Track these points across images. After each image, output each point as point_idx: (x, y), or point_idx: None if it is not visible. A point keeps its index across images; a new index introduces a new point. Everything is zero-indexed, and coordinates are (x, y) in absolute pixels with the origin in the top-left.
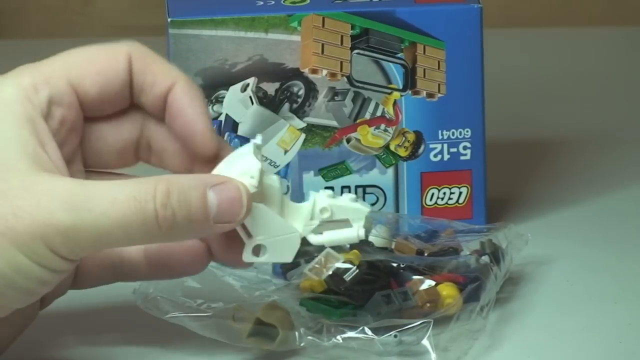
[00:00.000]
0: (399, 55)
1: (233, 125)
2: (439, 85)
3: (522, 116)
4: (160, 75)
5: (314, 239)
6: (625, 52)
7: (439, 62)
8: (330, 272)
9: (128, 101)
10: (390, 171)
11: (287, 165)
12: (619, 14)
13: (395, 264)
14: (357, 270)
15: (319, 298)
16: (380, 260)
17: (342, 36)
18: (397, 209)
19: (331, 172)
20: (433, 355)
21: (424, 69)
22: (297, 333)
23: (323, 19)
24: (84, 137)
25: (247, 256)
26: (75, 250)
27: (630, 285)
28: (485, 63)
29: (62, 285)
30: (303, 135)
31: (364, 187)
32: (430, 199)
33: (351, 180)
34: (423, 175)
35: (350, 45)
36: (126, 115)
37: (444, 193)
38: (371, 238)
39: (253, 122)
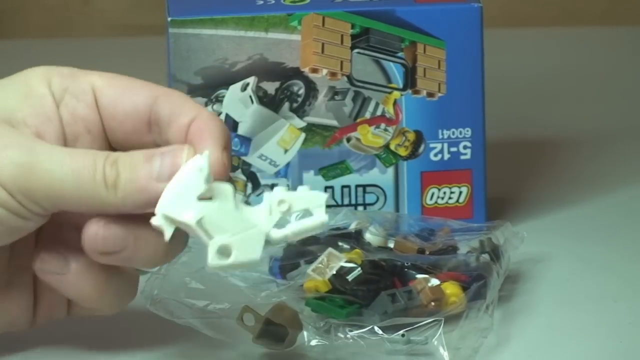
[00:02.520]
0: (399, 54)
1: (233, 124)
2: (439, 84)
3: (522, 116)
4: (184, 108)
5: (277, 234)
6: (625, 52)
7: (439, 61)
8: (334, 272)
9: (150, 140)
10: (391, 171)
11: (287, 165)
12: (619, 14)
13: (399, 263)
14: (360, 270)
15: (324, 298)
16: (384, 260)
17: (342, 35)
18: (397, 209)
19: (331, 171)
20: (445, 353)
21: (424, 69)
22: (305, 333)
23: (323, 18)
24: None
25: (213, 259)
26: (29, 194)
27: (630, 284)
28: (485, 63)
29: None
30: (303, 135)
31: (364, 186)
32: (431, 199)
33: (351, 179)
34: (423, 175)
35: (350, 45)
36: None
37: (444, 192)
38: (367, 237)
39: (253, 121)
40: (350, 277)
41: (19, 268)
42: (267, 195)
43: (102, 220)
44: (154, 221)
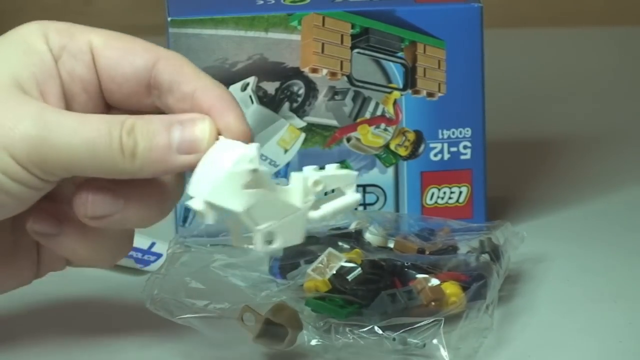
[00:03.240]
0: (399, 54)
1: None
2: (439, 84)
3: (522, 116)
4: (188, 75)
5: (315, 215)
6: (625, 52)
7: (439, 61)
8: (334, 272)
9: (149, 102)
10: (391, 170)
11: (287, 165)
12: (619, 14)
13: (399, 263)
14: (360, 270)
15: (324, 298)
16: (383, 259)
17: (342, 35)
18: (397, 209)
19: None
20: (445, 353)
21: (424, 68)
22: (305, 333)
23: (323, 18)
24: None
25: (260, 246)
26: (43, 166)
27: (630, 284)
28: (485, 63)
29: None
30: (303, 135)
31: (364, 186)
32: (431, 199)
33: None
34: (423, 175)
35: (350, 45)
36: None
37: (444, 192)
38: (368, 237)
39: (253, 121)
40: (350, 277)
41: (23, 228)
42: (297, 175)
43: (93, 185)
44: (195, 205)
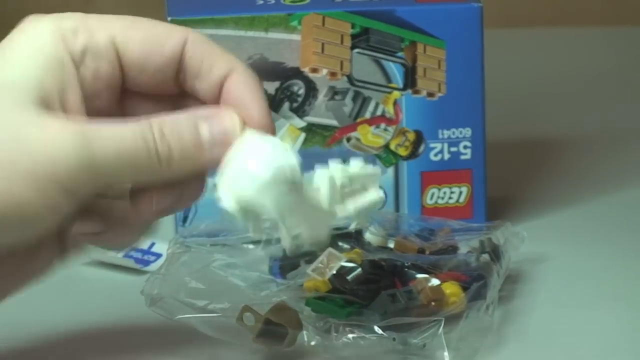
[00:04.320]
0: (399, 54)
1: None
2: (439, 84)
3: (522, 116)
4: (218, 61)
5: (342, 213)
6: (625, 52)
7: (439, 61)
8: (334, 272)
9: (174, 84)
10: (391, 170)
11: None
12: (619, 14)
13: (399, 263)
14: (360, 270)
15: (324, 298)
16: (384, 259)
17: (342, 35)
18: (397, 209)
19: None
20: (445, 354)
21: (424, 68)
22: (305, 333)
23: (323, 18)
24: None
25: (289, 247)
26: (90, 186)
27: (630, 284)
28: (485, 63)
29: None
30: (303, 135)
31: None
32: (431, 199)
33: None
34: (423, 175)
35: (350, 45)
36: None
37: (444, 192)
38: (368, 237)
39: None
40: (350, 277)
41: None
42: (323, 174)
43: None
44: (228, 207)
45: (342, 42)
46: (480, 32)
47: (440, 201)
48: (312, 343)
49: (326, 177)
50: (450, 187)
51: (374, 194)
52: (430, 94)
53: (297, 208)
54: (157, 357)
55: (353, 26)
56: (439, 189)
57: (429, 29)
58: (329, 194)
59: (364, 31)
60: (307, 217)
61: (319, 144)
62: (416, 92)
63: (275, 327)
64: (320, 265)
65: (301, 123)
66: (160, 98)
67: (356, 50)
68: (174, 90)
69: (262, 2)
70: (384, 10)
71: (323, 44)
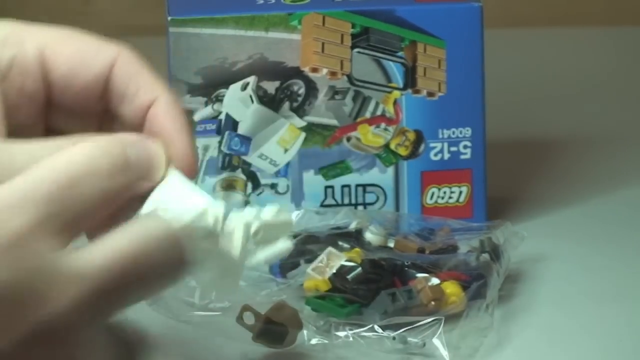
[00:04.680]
0: (399, 54)
1: (233, 124)
2: (439, 84)
3: (522, 116)
4: (144, 85)
5: (252, 262)
6: (625, 52)
7: (439, 60)
8: (334, 271)
9: (100, 104)
10: (391, 170)
11: (287, 164)
12: (619, 14)
13: (399, 262)
14: (361, 269)
15: (324, 297)
16: (384, 259)
17: (342, 35)
18: (397, 208)
19: (331, 171)
20: (445, 353)
21: (425, 68)
22: (305, 332)
23: (323, 17)
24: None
25: (200, 298)
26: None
27: (630, 284)
28: (485, 63)
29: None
30: (303, 134)
31: (364, 186)
32: (431, 198)
33: (351, 179)
34: (423, 174)
35: (350, 44)
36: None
37: (444, 192)
38: (367, 236)
39: (253, 121)
40: (350, 276)
41: None
42: (238, 219)
43: None
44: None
45: (342, 41)
46: (480, 32)
47: (440, 201)
48: (312, 342)
49: (241, 223)
50: (450, 187)
51: (283, 244)
52: (430, 94)
53: (209, 257)
54: (157, 356)
55: (353, 26)
56: (439, 189)
57: (429, 28)
58: (242, 242)
59: (364, 31)
60: (219, 265)
61: (319, 143)
62: (416, 91)
63: (276, 326)
64: (320, 264)
65: (301, 123)
66: (86, 115)
67: (356, 49)
68: (100, 109)
69: (262, 1)
70: (384, 9)
71: (323, 43)
